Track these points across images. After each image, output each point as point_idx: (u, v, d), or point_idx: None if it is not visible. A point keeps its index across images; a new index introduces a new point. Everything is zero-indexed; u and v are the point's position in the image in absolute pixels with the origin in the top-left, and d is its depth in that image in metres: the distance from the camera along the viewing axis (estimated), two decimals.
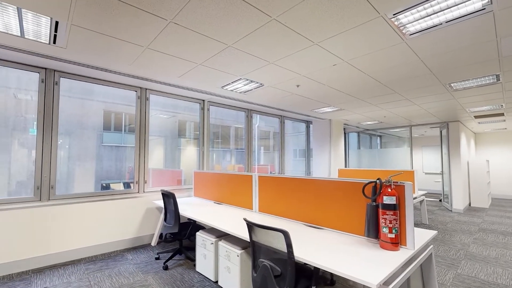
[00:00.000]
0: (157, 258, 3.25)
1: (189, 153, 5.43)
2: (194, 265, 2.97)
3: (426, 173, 10.07)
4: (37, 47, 2.48)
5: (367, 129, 8.88)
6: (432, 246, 1.98)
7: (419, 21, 2.01)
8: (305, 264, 1.71)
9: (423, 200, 5.01)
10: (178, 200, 3.05)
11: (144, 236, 3.75)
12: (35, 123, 3.04)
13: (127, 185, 4.31)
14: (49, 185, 3.06)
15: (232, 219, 2.69)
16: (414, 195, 4.42)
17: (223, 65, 2.92)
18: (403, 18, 1.97)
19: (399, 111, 5.60)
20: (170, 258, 3.14)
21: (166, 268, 2.96)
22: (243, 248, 2.33)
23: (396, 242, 1.70)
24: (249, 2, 1.77)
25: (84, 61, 2.85)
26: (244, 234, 2.08)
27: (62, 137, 3.41)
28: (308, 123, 7.26)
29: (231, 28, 2.10)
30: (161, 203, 3.47)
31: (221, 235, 2.69)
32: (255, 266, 1.79)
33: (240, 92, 4.06)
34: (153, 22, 2.01)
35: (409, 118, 6.55)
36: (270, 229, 1.60)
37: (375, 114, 5.90)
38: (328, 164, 6.76)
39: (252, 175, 3.14)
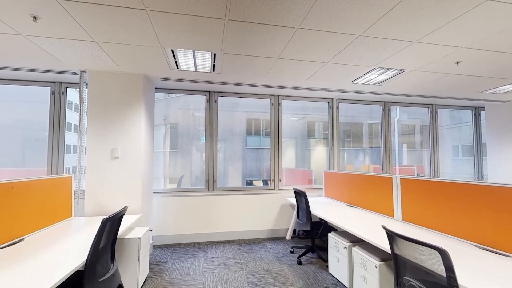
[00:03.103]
0: (291, 252, 3.48)
1: (318, 153, 5.46)
2: (327, 266, 2.94)
3: None
4: (204, 76, 3.34)
5: None
6: None
7: None
8: None
9: None
10: (309, 199, 3.14)
11: (279, 229, 4.13)
12: (204, 133, 4.11)
13: (265, 182, 4.92)
14: (213, 180, 4.02)
15: (367, 225, 2.44)
16: None
17: (353, 58, 2.72)
18: None
19: None
20: (303, 254, 3.27)
21: (299, 263, 3.11)
22: (383, 260, 2.06)
23: None
24: None
25: (232, 80, 3.53)
26: (383, 244, 1.83)
27: (220, 142, 4.40)
28: (476, 109, 5.39)
29: (360, 16, 1.93)
30: (293, 200, 3.69)
31: (355, 240, 2.50)
32: (398, 283, 1.53)
33: (373, 84, 3.63)
34: (282, 33, 2.20)
35: None
36: (420, 244, 1.32)
37: None
38: None
39: (392, 177, 2.73)
